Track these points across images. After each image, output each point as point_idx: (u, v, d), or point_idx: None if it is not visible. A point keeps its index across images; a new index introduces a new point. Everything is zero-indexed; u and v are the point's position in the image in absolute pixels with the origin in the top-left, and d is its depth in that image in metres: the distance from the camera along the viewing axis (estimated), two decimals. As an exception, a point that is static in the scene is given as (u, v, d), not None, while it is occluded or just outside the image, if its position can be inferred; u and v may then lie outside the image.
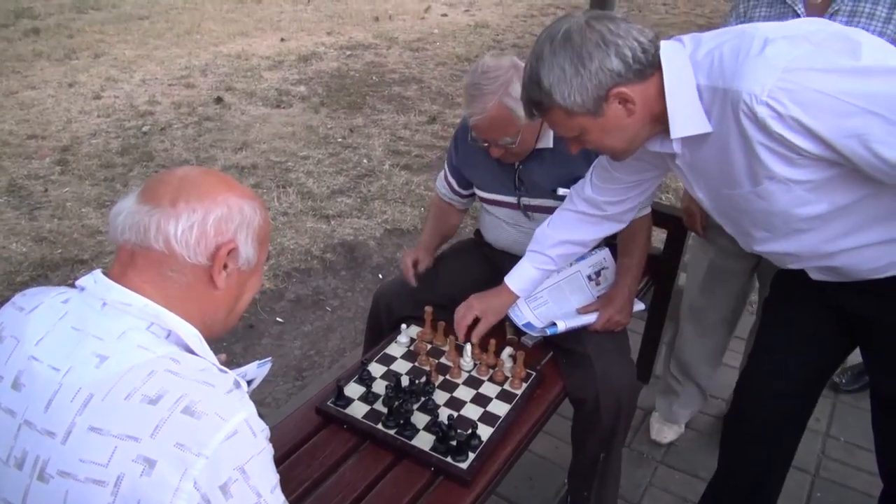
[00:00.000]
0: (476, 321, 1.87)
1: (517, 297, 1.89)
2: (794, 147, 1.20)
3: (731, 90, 1.22)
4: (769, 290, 1.75)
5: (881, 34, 1.82)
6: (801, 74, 1.16)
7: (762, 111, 1.18)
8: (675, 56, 1.31)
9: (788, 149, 1.21)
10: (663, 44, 1.31)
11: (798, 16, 1.92)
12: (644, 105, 1.32)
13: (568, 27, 1.29)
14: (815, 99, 1.15)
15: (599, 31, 1.27)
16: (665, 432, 2.59)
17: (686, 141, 1.36)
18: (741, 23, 2.06)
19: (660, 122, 1.35)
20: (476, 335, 1.86)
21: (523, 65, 1.87)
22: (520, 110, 1.80)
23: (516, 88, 1.79)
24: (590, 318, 1.93)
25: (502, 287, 1.89)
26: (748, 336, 2.58)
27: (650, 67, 1.29)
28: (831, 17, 1.86)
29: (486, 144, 1.91)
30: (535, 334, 1.93)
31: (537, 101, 1.35)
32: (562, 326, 1.87)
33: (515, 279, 1.88)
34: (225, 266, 1.03)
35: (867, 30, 1.80)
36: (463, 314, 1.88)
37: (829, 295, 1.54)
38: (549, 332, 1.88)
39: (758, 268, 2.25)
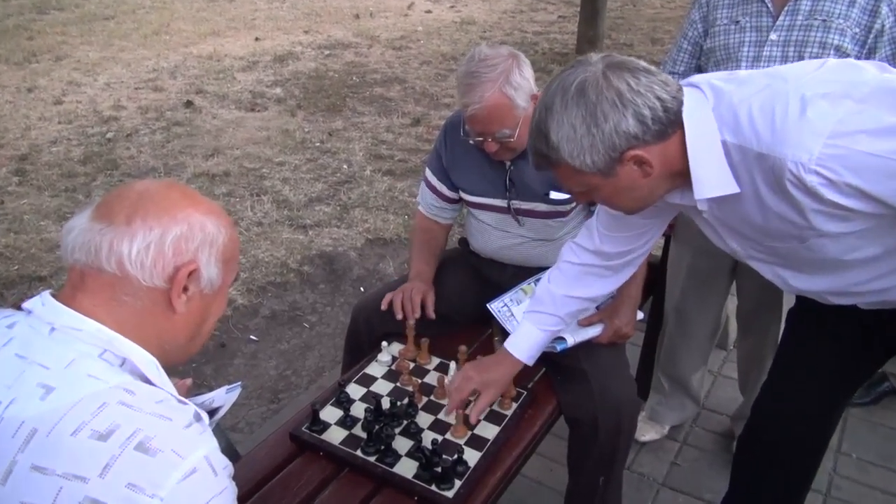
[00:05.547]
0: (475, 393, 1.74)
1: (522, 366, 1.77)
2: (849, 209, 1.20)
3: (770, 156, 1.20)
4: (796, 299, 1.73)
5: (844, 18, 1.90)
6: (848, 139, 1.14)
7: (812, 180, 1.17)
8: (699, 111, 1.27)
9: (842, 210, 1.21)
10: (687, 95, 1.27)
11: (765, 6, 1.97)
12: (663, 165, 1.28)
13: (583, 79, 1.24)
14: (866, 162, 1.14)
15: (617, 87, 1.22)
16: (645, 430, 2.60)
17: (712, 198, 1.33)
18: (704, 16, 2.08)
19: (680, 176, 1.32)
20: (477, 414, 1.70)
21: (521, 55, 1.87)
22: (519, 99, 1.80)
23: (516, 77, 1.80)
24: (596, 331, 1.91)
25: (503, 355, 1.77)
26: (738, 345, 2.62)
27: (671, 126, 1.25)
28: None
29: (480, 139, 1.89)
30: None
31: (544, 154, 1.31)
32: (571, 341, 1.85)
33: (519, 345, 1.76)
34: (185, 289, 1.00)
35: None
36: (458, 385, 1.71)
37: (861, 314, 1.53)
38: (558, 347, 1.85)
39: (736, 270, 2.29)
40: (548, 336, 1.78)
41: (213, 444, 0.91)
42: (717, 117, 1.26)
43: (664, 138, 1.25)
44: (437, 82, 6.89)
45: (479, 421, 1.72)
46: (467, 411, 1.70)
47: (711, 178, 1.28)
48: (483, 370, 1.73)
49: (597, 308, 2.02)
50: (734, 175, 1.27)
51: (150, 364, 0.98)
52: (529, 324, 1.77)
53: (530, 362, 1.78)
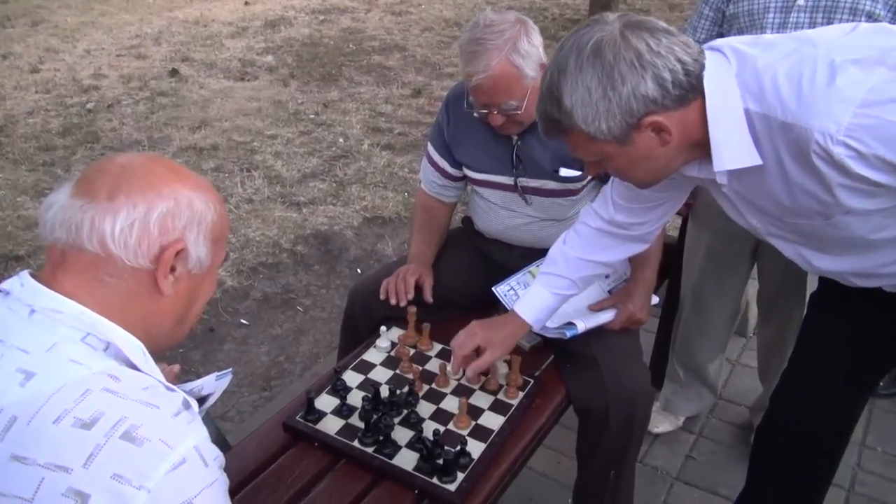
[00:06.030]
0: (478, 351, 1.78)
1: (528, 328, 1.81)
2: (877, 184, 1.19)
3: (795, 126, 1.19)
4: (819, 282, 1.73)
5: None
6: (880, 108, 1.13)
7: (840, 152, 1.16)
8: (721, 77, 1.25)
9: (870, 185, 1.20)
10: (708, 60, 1.26)
11: None
12: (681, 134, 1.27)
13: (599, 38, 1.22)
14: None
15: (636, 48, 1.20)
16: (658, 421, 2.61)
17: (732, 171, 1.33)
18: None
19: (699, 147, 1.31)
20: (475, 369, 1.76)
21: (530, 21, 1.86)
22: (527, 69, 1.80)
23: (523, 45, 1.79)
24: (608, 316, 1.92)
25: (510, 315, 1.81)
26: (758, 332, 2.62)
27: (692, 92, 1.24)
28: None
29: (485, 111, 1.89)
30: (550, 336, 1.90)
31: (555, 119, 1.30)
32: (581, 326, 1.85)
33: (527, 306, 1.79)
34: (172, 269, 1.00)
35: None
36: (462, 342, 1.76)
37: (885, 297, 1.53)
38: (568, 333, 1.85)
39: (757, 251, 2.29)
40: (558, 300, 1.80)
41: (203, 433, 0.91)
42: (741, 84, 1.25)
43: (684, 104, 1.24)
44: (440, 50, 6.86)
45: (475, 388, 1.77)
46: (470, 375, 1.77)
47: (732, 149, 1.27)
48: (488, 327, 1.78)
49: (609, 292, 2.02)
50: (756, 146, 1.26)
51: (135, 349, 0.98)
52: (540, 286, 1.79)
53: (537, 326, 1.81)
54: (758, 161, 1.27)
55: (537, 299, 1.78)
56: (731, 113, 1.25)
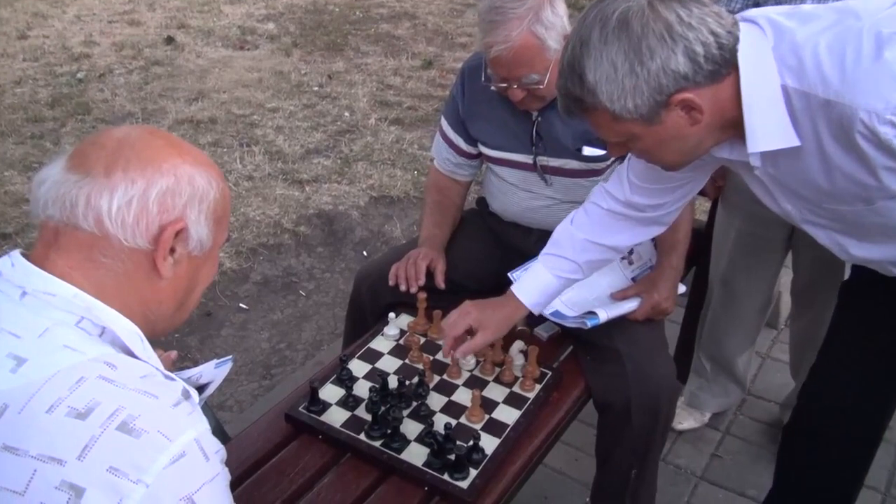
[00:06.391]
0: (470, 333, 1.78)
1: (526, 312, 1.80)
2: None
3: (838, 104, 1.17)
4: (851, 271, 1.71)
5: None
6: None
7: (887, 132, 1.15)
8: (757, 52, 1.23)
9: None
10: (743, 32, 1.24)
11: None
12: (713, 112, 1.26)
13: (626, 8, 1.21)
14: None
15: (666, 19, 1.18)
16: (683, 417, 2.61)
17: (767, 153, 1.31)
18: None
19: (732, 127, 1.30)
20: (464, 351, 1.76)
21: None
22: (551, 40, 1.78)
23: (547, 14, 1.77)
24: (631, 305, 1.92)
25: (508, 297, 1.80)
26: (790, 324, 2.61)
27: (725, 67, 1.22)
28: None
29: (504, 85, 1.87)
30: (569, 325, 1.90)
31: (577, 97, 1.29)
32: (603, 316, 1.85)
33: (526, 289, 1.78)
34: (172, 251, 1.00)
35: None
36: (454, 321, 1.77)
37: None
38: (588, 323, 1.85)
39: (792, 237, 2.27)
40: (561, 284, 1.79)
41: (203, 425, 0.92)
42: (778, 58, 1.23)
43: (716, 80, 1.23)
44: (453, 18, 6.82)
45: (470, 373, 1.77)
46: (459, 356, 1.78)
47: (768, 129, 1.26)
48: (483, 308, 1.78)
49: (633, 280, 2.01)
50: (794, 126, 1.25)
51: (132, 334, 0.98)
52: (542, 266, 1.78)
53: (536, 310, 1.80)
54: (795, 142, 1.26)
55: (537, 282, 1.78)
56: (767, 90, 1.24)
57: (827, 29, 1.21)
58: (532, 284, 1.78)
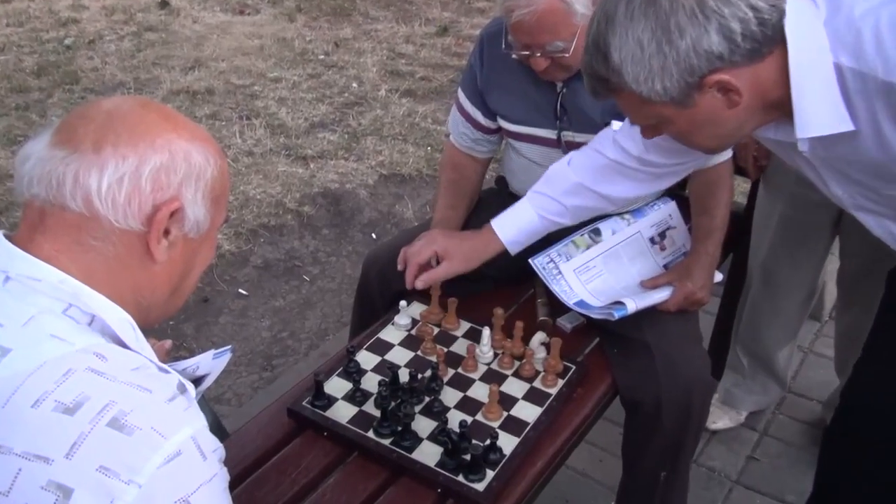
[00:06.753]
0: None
1: (501, 248, 1.83)
2: None
3: None
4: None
5: None
6: None
7: None
8: (806, 25, 1.21)
9: None
10: (790, 4, 1.21)
11: None
12: (754, 94, 1.25)
13: None
14: None
15: None
16: (717, 416, 2.61)
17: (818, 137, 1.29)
18: None
19: (775, 108, 1.28)
20: (426, 280, 1.81)
21: None
22: (578, 4, 1.77)
23: None
24: (663, 295, 1.91)
25: (485, 229, 1.84)
26: (836, 317, 2.61)
27: (767, 44, 1.20)
28: None
29: (526, 53, 1.86)
30: (595, 316, 1.89)
31: (602, 77, 1.28)
32: (632, 306, 1.84)
33: (505, 224, 1.81)
34: (166, 232, 1.00)
35: None
36: (418, 248, 1.85)
37: None
38: (616, 314, 1.84)
39: (840, 222, 2.25)
40: (543, 226, 1.80)
41: (200, 421, 0.92)
42: (831, 33, 1.21)
43: (757, 59, 1.22)
44: (470, -19, 6.79)
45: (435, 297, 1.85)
46: (419, 286, 1.85)
47: (819, 112, 1.24)
48: (451, 236, 1.83)
49: (665, 267, 2.00)
50: (848, 108, 1.23)
51: (123, 323, 0.98)
52: (527, 203, 1.81)
53: (512, 249, 1.84)
54: (850, 127, 1.24)
55: (519, 218, 1.80)
56: (818, 69, 1.21)
57: (890, 1, 1.19)
58: (512, 220, 1.81)
